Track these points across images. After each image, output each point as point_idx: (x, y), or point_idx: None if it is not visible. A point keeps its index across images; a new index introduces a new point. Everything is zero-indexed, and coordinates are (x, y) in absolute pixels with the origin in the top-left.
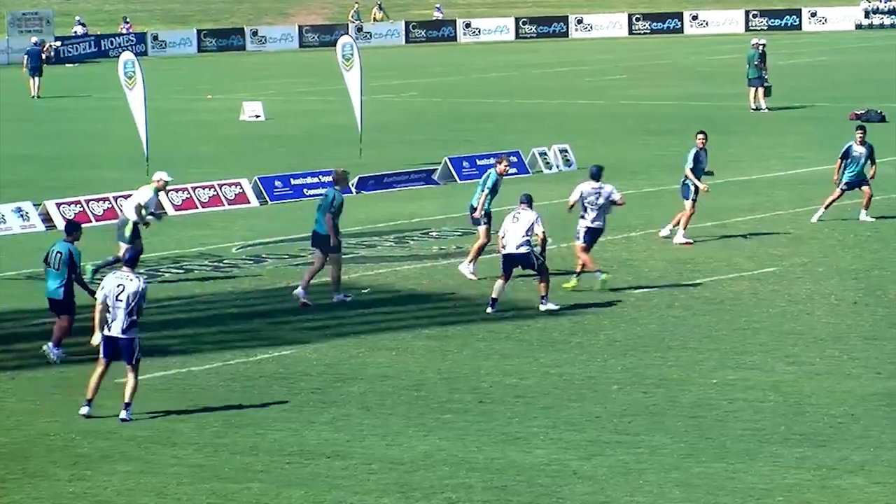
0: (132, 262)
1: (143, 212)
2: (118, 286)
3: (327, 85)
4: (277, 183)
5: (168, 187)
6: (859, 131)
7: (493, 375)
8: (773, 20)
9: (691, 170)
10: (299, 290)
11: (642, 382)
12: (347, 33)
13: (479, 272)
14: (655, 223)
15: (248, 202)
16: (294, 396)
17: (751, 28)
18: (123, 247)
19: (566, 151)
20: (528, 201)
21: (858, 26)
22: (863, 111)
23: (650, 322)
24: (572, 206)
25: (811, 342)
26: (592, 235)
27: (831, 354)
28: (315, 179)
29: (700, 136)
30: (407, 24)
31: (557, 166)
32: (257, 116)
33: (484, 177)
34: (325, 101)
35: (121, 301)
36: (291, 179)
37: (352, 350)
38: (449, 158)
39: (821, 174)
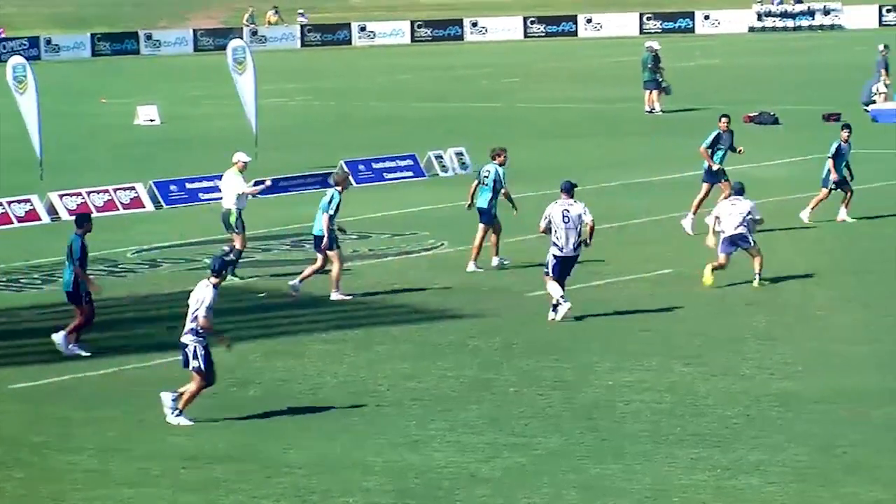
0: (217, 270)
1: (246, 191)
2: (193, 290)
3: (223, 89)
4: (172, 187)
5: (61, 192)
6: (845, 130)
7: (391, 379)
8: (666, 23)
9: (707, 149)
10: (295, 282)
11: (539, 385)
12: (242, 37)
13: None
14: None
15: (143, 207)
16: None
17: (645, 31)
18: (237, 238)
19: (462, 154)
20: (571, 190)
21: (751, 29)
22: (756, 113)
23: (547, 324)
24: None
25: (706, 343)
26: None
27: (726, 355)
28: (210, 183)
29: (724, 118)
30: (302, 27)
31: (454, 169)
32: (152, 121)
33: (489, 175)
34: (220, 105)
35: (189, 306)
36: (187, 184)
37: (249, 355)
38: (345, 162)
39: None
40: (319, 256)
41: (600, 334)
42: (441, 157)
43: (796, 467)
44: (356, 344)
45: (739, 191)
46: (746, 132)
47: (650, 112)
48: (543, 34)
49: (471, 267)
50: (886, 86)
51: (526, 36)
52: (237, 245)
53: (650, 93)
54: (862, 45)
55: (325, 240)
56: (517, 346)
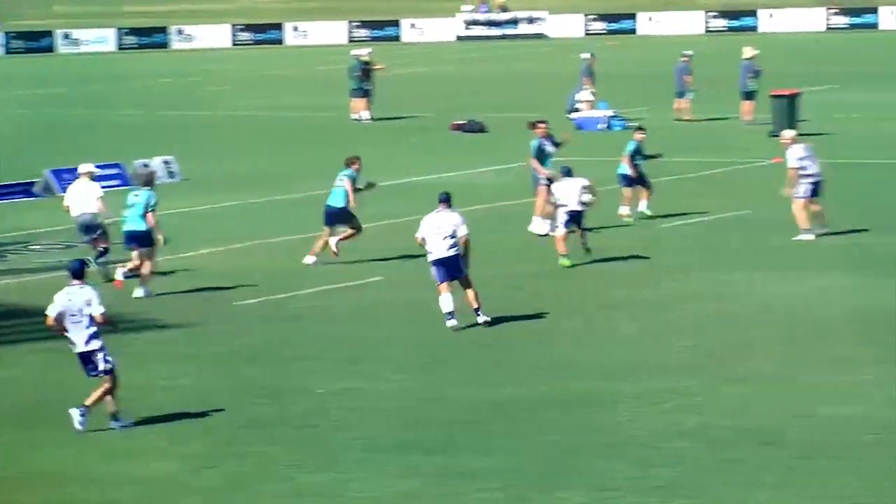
0: (80, 271)
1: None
2: (69, 300)
3: None
4: None
5: None
6: (639, 132)
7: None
8: (374, 31)
9: (537, 159)
10: (142, 292)
11: (255, 393)
12: None
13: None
14: (263, 234)
15: None
16: None
17: (353, 39)
18: (103, 239)
19: (170, 163)
20: (448, 200)
21: (458, 38)
22: (464, 121)
23: (263, 332)
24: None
25: (421, 349)
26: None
27: (441, 362)
28: None
29: (542, 125)
30: (6, 34)
31: (160, 178)
32: None
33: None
34: None
35: (74, 315)
36: None
37: None
38: (50, 171)
39: (423, 183)
40: (135, 254)
41: (315, 341)
42: (148, 166)
43: (509, 473)
44: (65, 354)
45: (568, 172)
46: (453, 140)
47: (357, 120)
48: (251, 42)
49: (308, 259)
50: (592, 94)
51: (234, 44)
52: (104, 245)
53: (357, 101)
54: (567, 53)
55: (158, 235)
56: (232, 353)
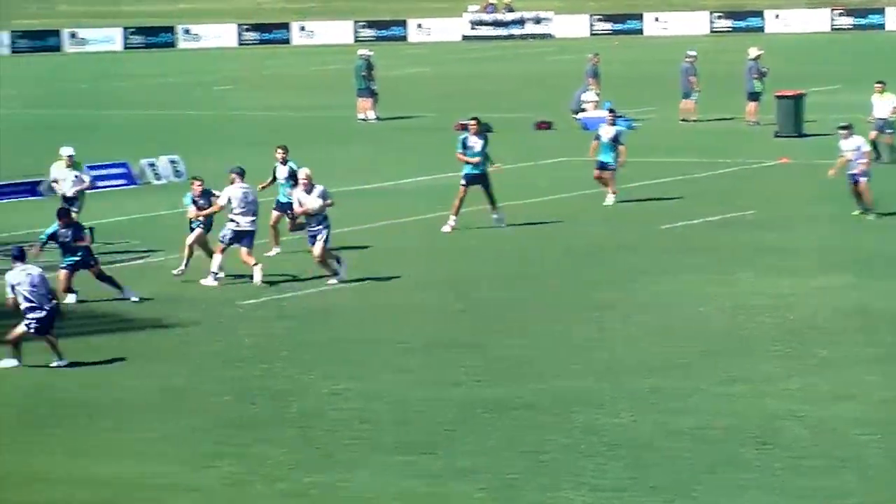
0: (21, 256)
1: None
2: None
3: None
4: None
5: None
6: (472, 121)
7: (98, 388)
8: (380, 31)
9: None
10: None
11: (250, 393)
12: None
13: None
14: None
15: None
16: None
17: (359, 39)
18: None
19: (176, 162)
20: (243, 174)
21: (465, 38)
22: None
23: (257, 333)
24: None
25: (416, 351)
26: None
27: (437, 362)
28: None
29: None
30: (12, 33)
31: (167, 177)
32: None
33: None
34: None
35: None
36: None
37: None
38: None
39: (429, 184)
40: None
41: (310, 342)
42: (154, 165)
43: (507, 473)
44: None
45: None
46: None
47: (363, 120)
48: (257, 41)
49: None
50: (597, 94)
51: (240, 43)
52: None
53: (363, 100)
54: (572, 53)
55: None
56: (226, 354)
